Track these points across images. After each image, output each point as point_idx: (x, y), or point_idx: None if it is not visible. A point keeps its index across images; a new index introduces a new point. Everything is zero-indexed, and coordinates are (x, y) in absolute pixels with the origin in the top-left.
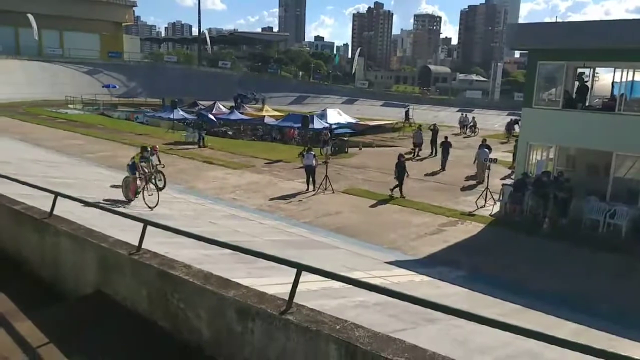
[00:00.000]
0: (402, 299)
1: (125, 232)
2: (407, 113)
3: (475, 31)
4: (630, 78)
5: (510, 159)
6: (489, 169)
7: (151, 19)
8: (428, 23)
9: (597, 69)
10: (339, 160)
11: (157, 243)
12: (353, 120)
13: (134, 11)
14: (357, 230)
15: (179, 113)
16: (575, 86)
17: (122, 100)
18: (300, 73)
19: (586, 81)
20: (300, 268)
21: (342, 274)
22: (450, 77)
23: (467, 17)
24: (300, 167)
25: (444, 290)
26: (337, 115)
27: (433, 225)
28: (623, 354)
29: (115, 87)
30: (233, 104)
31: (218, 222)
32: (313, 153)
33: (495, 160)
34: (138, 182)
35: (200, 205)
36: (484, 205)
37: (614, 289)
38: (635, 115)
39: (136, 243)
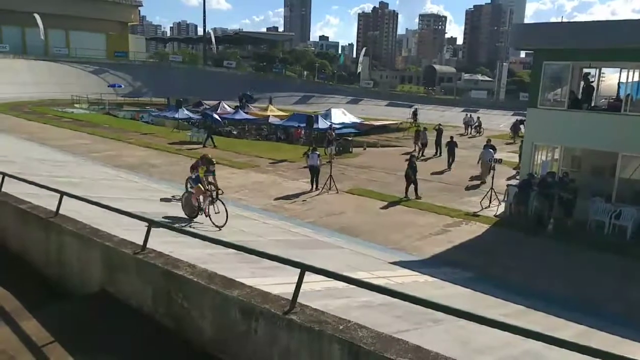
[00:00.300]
0: (405, 299)
1: (130, 231)
2: (415, 113)
3: (480, 31)
4: (636, 78)
5: (516, 160)
6: (493, 169)
7: (157, 19)
8: (433, 23)
9: (603, 70)
10: (343, 160)
11: (161, 242)
12: (357, 120)
13: (139, 11)
14: (361, 230)
15: (184, 112)
16: (581, 86)
17: (128, 99)
18: (305, 73)
19: (592, 81)
20: (304, 268)
21: (346, 274)
22: (456, 77)
23: (473, 17)
24: (305, 167)
25: (448, 290)
26: (341, 115)
27: (437, 226)
28: (629, 356)
29: (120, 86)
30: (238, 104)
31: None
32: (318, 153)
33: (500, 161)
34: (201, 197)
35: None
36: (489, 206)
37: (619, 291)
38: None
39: (141, 242)
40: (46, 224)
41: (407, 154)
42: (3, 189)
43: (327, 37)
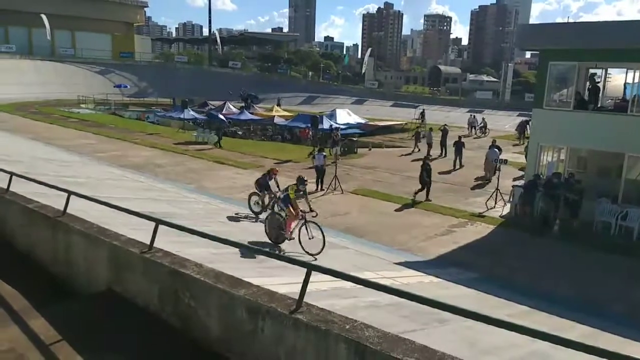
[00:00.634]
0: (413, 299)
1: (136, 230)
2: (422, 114)
3: (485, 31)
4: None
5: (521, 160)
6: (499, 169)
7: (162, 20)
8: (438, 23)
9: (610, 70)
10: (348, 160)
11: (168, 242)
12: (362, 121)
13: (145, 12)
14: (366, 231)
15: (190, 113)
16: (587, 87)
17: (133, 100)
18: (310, 73)
19: (598, 82)
20: (310, 268)
21: (352, 274)
22: (461, 78)
23: (478, 17)
24: (310, 168)
25: (454, 291)
26: (346, 116)
27: (443, 226)
28: (635, 356)
29: (126, 87)
30: (243, 104)
31: (228, 222)
32: (324, 154)
33: (505, 162)
34: (293, 223)
35: (209, 205)
36: (494, 207)
37: (625, 292)
38: None
39: (148, 242)
40: (54, 223)
41: (407, 154)
42: (11, 189)
43: (332, 38)
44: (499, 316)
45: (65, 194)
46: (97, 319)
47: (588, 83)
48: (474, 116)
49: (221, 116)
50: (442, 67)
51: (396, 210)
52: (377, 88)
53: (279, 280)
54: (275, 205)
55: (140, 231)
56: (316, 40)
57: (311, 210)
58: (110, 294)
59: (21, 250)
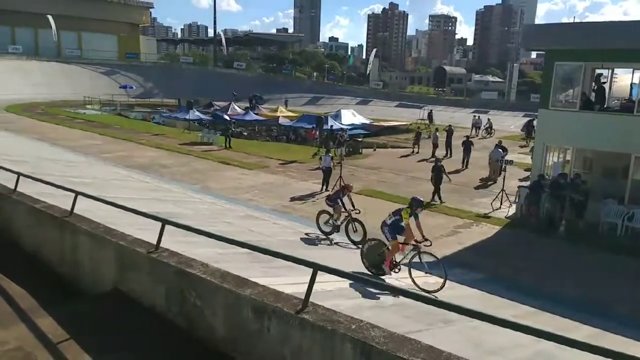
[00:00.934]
0: (418, 300)
1: (143, 231)
2: (430, 115)
3: (491, 32)
4: None
5: (527, 161)
6: (504, 170)
7: (167, 20)
8: (443, 23)
9: (616, 70)
10: (353, 161)
11: (174, 242)
12: (367, 121)
13: (150, 13)
14: (371, 232)
15: (195, 113)
16: (593, 87)
17: (139, 100)
18: (315, 74)
19: (604, 82)
20: (317, 268)
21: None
22: (466, 78)
23: (483, 18)
24: (317, 169)
25: (459, 291)
26: (351, 116)
27: (448, 227)
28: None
29: (132, 87)
30: (248, 105)
31: (234, 222)
32: (331, 155)
33: (511, 162)
34: (399, 253)
35: (215, 205)
36: (500, 207)
37: (631, 293)
38: None
39: (154, 242)
40: (61, 223)
41: (411, 154)
42: (18, 189)
43: (337, 38)
44: (504, 316)
45: (72, 194)
46: (103, 319)
47: (594, 83)
48: (479, 117)
49: (226, 117)
50: (447, 68)
51: None
52: (381, 88)
53: (284, 280)
54: (385, 229)
55: (146, 231)
56: (321, 40)
57: (424, 238)
58: (116, 293)
59: (28, 250)
